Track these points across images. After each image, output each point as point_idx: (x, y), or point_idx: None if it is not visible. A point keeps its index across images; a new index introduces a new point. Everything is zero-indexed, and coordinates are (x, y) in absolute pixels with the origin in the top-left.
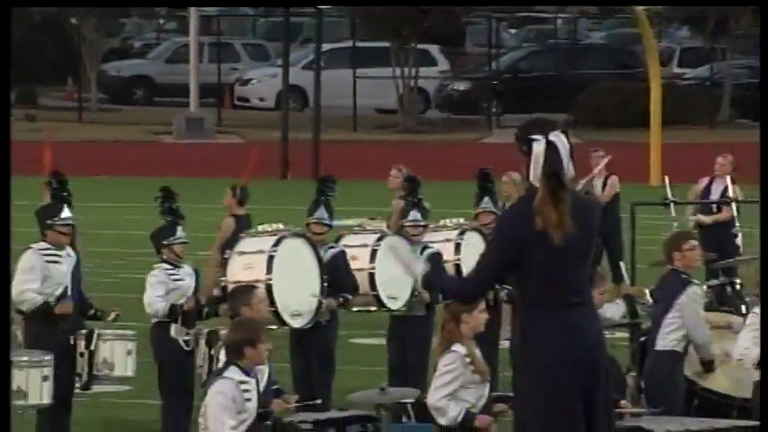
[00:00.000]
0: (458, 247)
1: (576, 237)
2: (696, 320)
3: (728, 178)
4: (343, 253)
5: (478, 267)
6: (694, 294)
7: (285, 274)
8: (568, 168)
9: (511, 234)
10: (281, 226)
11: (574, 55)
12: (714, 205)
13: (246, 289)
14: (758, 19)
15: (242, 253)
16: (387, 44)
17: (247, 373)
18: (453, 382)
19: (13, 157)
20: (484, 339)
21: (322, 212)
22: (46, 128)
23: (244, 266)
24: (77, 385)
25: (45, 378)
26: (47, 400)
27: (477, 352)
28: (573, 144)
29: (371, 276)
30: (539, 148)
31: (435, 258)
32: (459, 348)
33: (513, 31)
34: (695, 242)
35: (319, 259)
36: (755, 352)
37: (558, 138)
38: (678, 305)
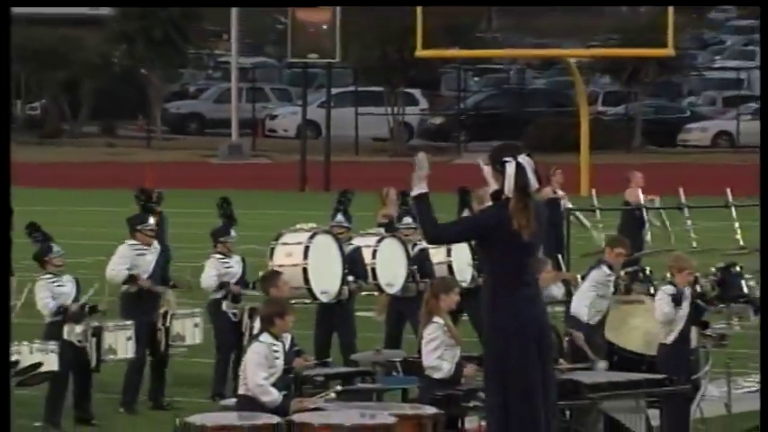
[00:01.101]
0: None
1: (535, 233)
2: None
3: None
4: (359, 249)
5: (453, 226)
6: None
7: (317, 260)
8: (533, 183)
9: (489, 223)
10: (314, 225)
11: (523, 97)
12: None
13: (274, 274)
14: (662, 70)
15: (284, 244)
16: (380, 89)
17: (277, 338)
18: (440, 347)
19: (97, 175)
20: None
21: (341, 218)
22: (122, 152)
23: (285, 254)
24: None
25: (129, 338)
26: (131, 354)
27: (450, 323)
28: (536, 163)
29: (373, 270)
30: (511, 168)
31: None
32: (438, 320)
33: (476, 78)
34: (623, 250)
35: (342, 252)
36: (667, 310)
37: (524, 159)
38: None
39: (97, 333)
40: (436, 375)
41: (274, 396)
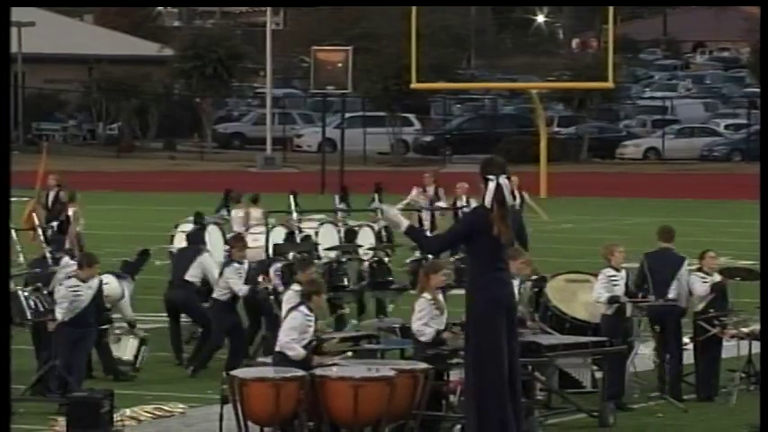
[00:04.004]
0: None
1: (510, 236)
2: None
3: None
4: None
5: (445, 235)
6: None
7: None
8: (509, 198)
9: (472, 227)
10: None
11: (495, 120)
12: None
13: (307, 261)
14: (604, 99)
15: (183, 231)
16: (383, 113)
17: (311, 311)
18: (426, 316)
19: (161, 181)
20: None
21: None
22: (181, 164)
23: (184, 239)
24: None
25: None
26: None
27: (440, 297)
28: (512, 182)
29: None
30: (491, 185)
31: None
32: (426, 295)
33: (458, 105)
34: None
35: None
36: (606, 296)
37: (504, 181)
38: None
39: None
40: (422, 339)
41: (298, 351)
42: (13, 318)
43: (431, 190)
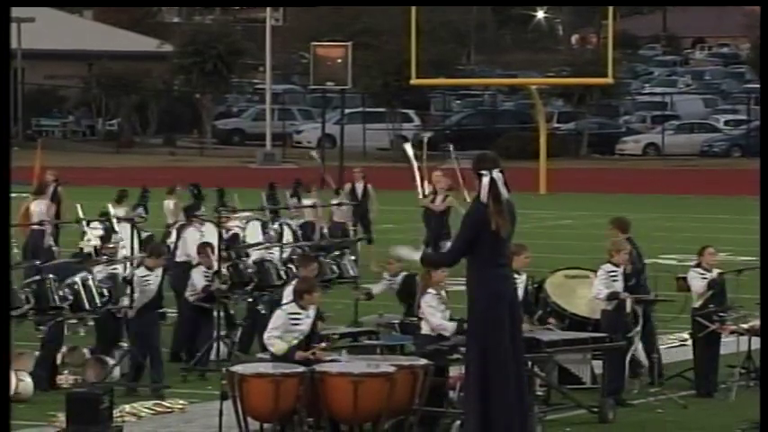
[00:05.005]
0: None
1: (509, 229)
2: None
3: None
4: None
5: (454, 245)
6: None
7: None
8: (503, 192)
9: (475, 227)
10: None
11: (494, 116)
12: None
13: (309, 258)
14: (603, 95)
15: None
16: (383, 109)
17: (303, 308)
18: (438, 312)
19: (161, 177)
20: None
21: (140, 210)
22: (181, 159)
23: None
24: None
25: None
26: None
27: (442, 293)
28: (506, 176)
29: None
30: (485, 180)
31: (426, 257)
32: (431, 291)
33: (458, 101)
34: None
35: (140, 238)
36: (605, 292)
37: (497, 175)
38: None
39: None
40: (445, 333)
41: (279, 347)
42: (82, 305)
43: (359, 186)
